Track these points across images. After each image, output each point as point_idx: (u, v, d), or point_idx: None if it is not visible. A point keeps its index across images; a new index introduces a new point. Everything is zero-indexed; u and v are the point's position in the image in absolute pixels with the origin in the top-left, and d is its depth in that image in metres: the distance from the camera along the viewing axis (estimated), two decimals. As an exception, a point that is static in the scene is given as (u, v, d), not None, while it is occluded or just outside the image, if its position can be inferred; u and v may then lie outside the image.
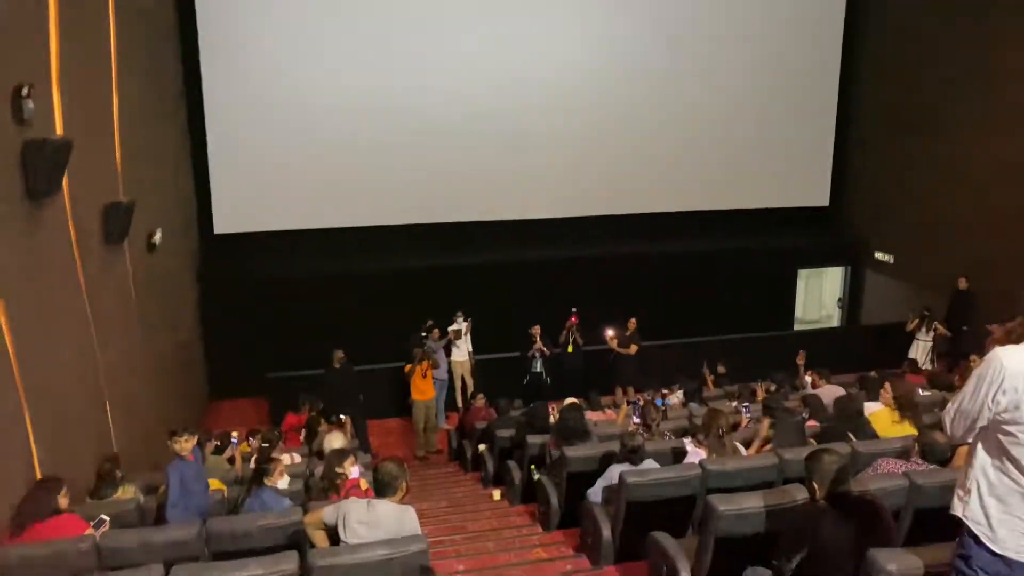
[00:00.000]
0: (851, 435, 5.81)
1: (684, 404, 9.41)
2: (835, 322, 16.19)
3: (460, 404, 11.97)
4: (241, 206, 12.92)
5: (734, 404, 8.55)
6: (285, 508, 5.08)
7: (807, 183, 15.57)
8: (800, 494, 4.15)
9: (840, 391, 7.85)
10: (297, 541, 4.55)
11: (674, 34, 14.12)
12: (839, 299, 16.12)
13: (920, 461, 4.70)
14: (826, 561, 3.56)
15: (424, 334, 11.26)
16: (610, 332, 12.01)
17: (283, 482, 5.65)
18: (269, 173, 12.87)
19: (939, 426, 4.76)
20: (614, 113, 14.05)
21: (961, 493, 2.97)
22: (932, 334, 12.02)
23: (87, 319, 6.60)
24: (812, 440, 6.01)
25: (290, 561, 3.86)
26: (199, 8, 12.16)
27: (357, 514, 4.09)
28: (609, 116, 14.03)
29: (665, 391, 9.83)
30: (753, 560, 4.12)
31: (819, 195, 15.67)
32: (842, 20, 14.91)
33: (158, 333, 9.20)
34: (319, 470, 6.12)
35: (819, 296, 16.45)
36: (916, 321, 12.20)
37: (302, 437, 9.07)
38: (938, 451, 4.69)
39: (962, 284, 12.10)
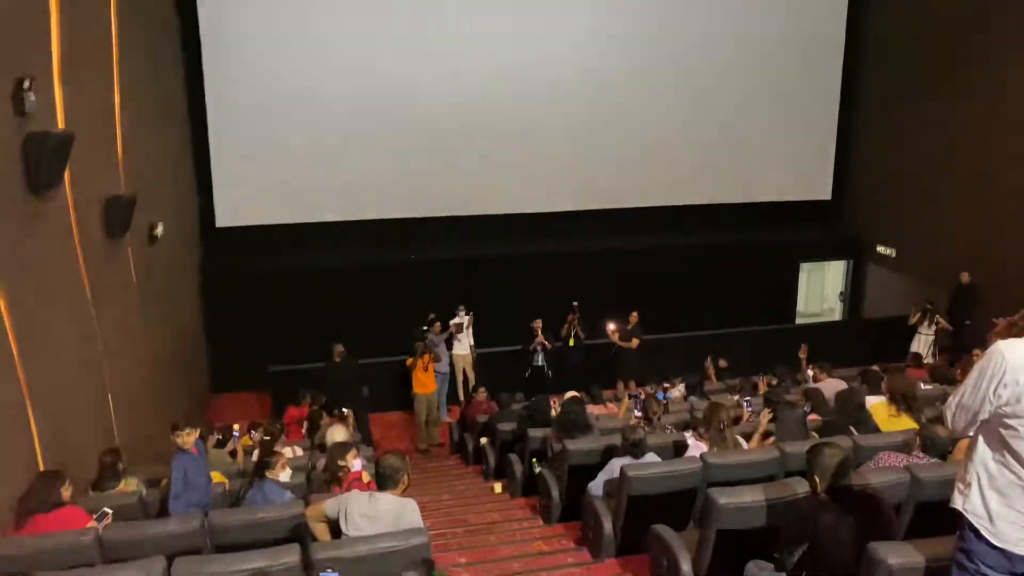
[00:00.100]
0: (852, 429, 5.80)
1: (685, 398, 9.42)
2: (837, 316, 16.17)
3: (461, 397, 11.98)
4: (243, 199, 12.92)
5: (735, 398, 8.56)
6: (287, 501, 5.09)
7: (809, 176, 15.54)
8: (801, 487, 4.15)
9: (842, 385, 7.85)
10: (299, 534, 4.55)
11: (676, 28, 14.07)
12: (841, 293, 16.10)
13: (921, 455, 4.70)
14: (827, 554, 3.56)
15: (425, 327, 11.27)
16: (611, 326, 12.01)
17: (285, 475, 5.66)
18: (271, 166, 12.86)
19: (939, 420, 4.77)
20: (616, 107, 14.01)
21: (961, 486, 2.97)
22: (934, 328, 12.01)
23: (89, 312, 6.61)
24: (814, 434, 6.01)
25: (292, 554, 3.87)
26: (200, 1, 12.13)
27: (359, 507, 4.09)
28: (611, 109, 13.99)
29: (667, 385, 9.83)
30: (754, 553, 4.12)
31: (821, 188, 15.63)
32: (845, 13, 14.85)
33: (160, 326, 9.20)
34: (321, 463, 6.13)
35: (821, 290, 16.43)
36: (918, 315, 12.18)
37: (304, 430, 9.09)
38: (939, 445, 4.69)
39: (964, 278, 12.08)
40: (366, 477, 5.25)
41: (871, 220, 15.12)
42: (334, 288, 12.87)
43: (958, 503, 2.96)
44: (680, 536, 4.68)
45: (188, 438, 5.56)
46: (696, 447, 5.72)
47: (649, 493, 5.14)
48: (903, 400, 6.03)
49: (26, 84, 5.21)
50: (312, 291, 12.84)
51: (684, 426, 7.12)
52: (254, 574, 3.70)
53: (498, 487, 8.02)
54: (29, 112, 5.27)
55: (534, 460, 7.24)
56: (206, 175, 12.71)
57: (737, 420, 7.00)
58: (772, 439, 6.01)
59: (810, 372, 9.18)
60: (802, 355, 10.60)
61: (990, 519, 2.84)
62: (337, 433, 6.82)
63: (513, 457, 7.89)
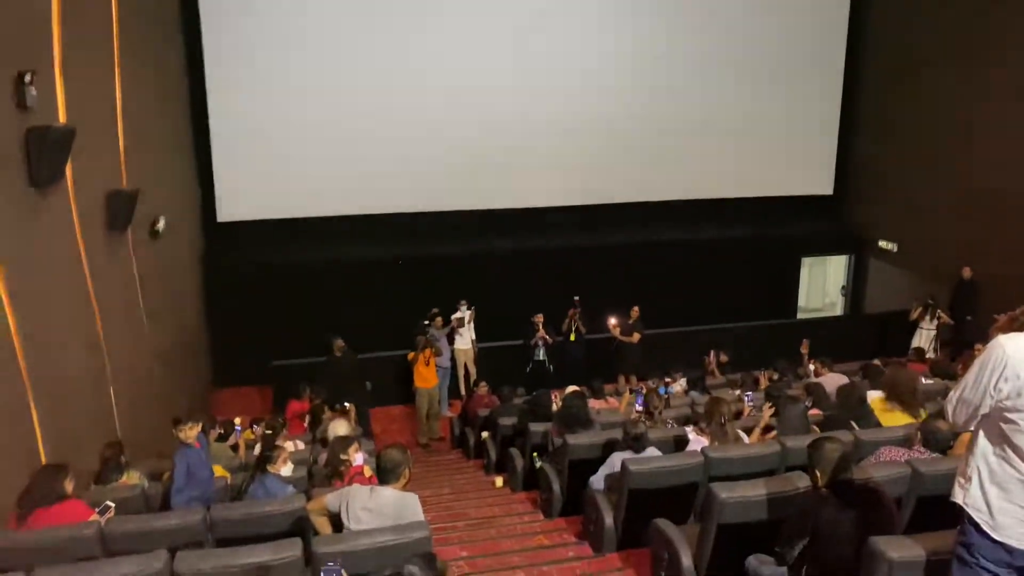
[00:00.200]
0: (854, 423, 5.81)
1: (687, 392, 9.42)
2: (838, 310, 16.18)
3: (463, 392, 12.00)
4: (244, 194, 12.91)
5: (737, 392, 8.56)
6: (288, 495, 5.10)
7: (811, 171, 15.53)
8: (802, 482, 4.15)
9: (843, 379, 7.85)
10: (301, 527, 4.57)
11: (678, 24, 14.05)
12: (843, 287, 16.10)
13: (923, 449, 4.71)
14: (828, 548, 3.57)
15: (427, 322, 11.28)
16: (613, 320, 12.02)
17: (287, 469, 5.67)
18: (272, 161, 12.85)
19: (939, 415, 4.77)
20: (618, 102, 13.99)
21: (962, 480, 2.97)
22: (936, 323, 12.00)
23: (91, 306, 6.62)
24: (815, 428, 6.02)
25: (294, 547, 3.89)
26: (202, -5, 12.15)
27: (360, 501, 4.10)
28: (613, 105, 13.97)
29: (668, 379, 9.84)
30: (755, 547, 4.13)
31: (823, 183, 15.62)
32: (847, 8, 14.82)
33: (162, 320, 9.21)
34: (323, 457, 6.14)
35: (823, 284, 16.43)
36: (920, 310, 12.18)
37: (306, 424, 9.11)
38: (941, 439, 4.69)
39: (966, 273, 12.07)
40: (368, 471, 5.26)
41: (873, 215, 15.10)
42: (336, 283, 12.87)
43: (958, 497, 2.96)
44: (681, 530, 4.68)
45: (191, 432, 5.58)
46: (697, 441, 5.72)
47: (650, 487, 5.15)
48: (896, 397, 6.06)
49: (27, 78, 5.21)
50: (314, 286, 12.84)
51: (685, 421, 7.13)
52: (256, 568, 3.71)
53: (499, 481, 8.03)
54: (30, 106, 5.27)
55: (535, 454, 7.24)
56: (208, 169, 12.70)
57: (738, 415, 7.00)
58: (773, 433, 6.02)
59: (811, 367, 9.18)
60: (804, 350, 10.60)
61: (990, 513, 2.85)
62: (339, 427, 6.84)
63: (514, 451, 7.89)
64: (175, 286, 10.51)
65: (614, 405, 8.98)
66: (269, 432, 7.56)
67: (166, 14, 11.19)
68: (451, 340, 11.82)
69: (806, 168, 15.48)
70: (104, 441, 6.26)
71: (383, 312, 12.61)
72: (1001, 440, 2.84)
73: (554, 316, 12.05)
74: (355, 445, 5.63)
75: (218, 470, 6.14)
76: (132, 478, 5.84)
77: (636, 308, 12.02)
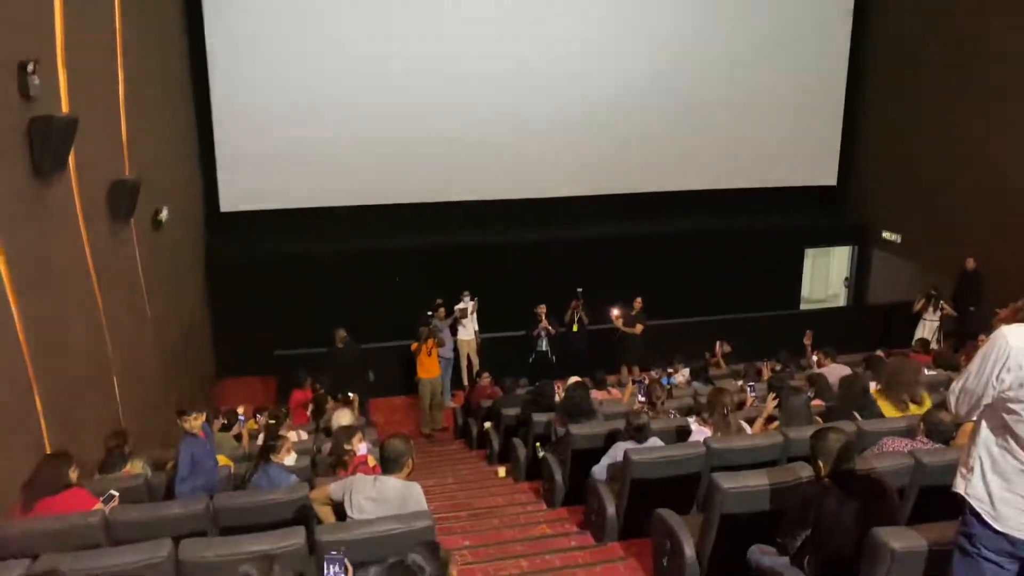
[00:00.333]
0: (856, 414, 5.81)
1: (689, 383, 9.42)
2: (841, 301, 16.16)
3: (465, 382, 12.02)
4: (247, 184, 12.91)
5: (740, 383, 8.56)
6: (292, 484, 5.12)
7: (815, 162, 15.49)
8: (805, 472, 4.15)
9: (846, 370, 7.85)
10: (304, 517, 4.58)
11: (681, 12, 14.00)
12: (846, 278, 16.08)
13: (925, 440, 4.70)
14: (830, 539, 3.58)
15: (430, 312, 11.29)
16: (616, 311, 12.02)
17: (290, 459, 5.69)
18: (275, 151, 12.83)
19: (940, 406, 4.76)
20: (621, 92, 13.96)
21: (964, 471, 2.97)
22: (939, 314, 11.99)
23: (94, 296, 6.63)
24: (818, 419, 6.02)
25: (297, 536, 3.90)
26: (204, -15, 12.11)
27: (363, 490, 4.11)
28: (616, 95, 13.94)
29: (671, 370, 9.84)
30: (757, 538, 4.13)
31: (827, 174, 15.58)
32: (852, -1, 14.80)
33: (165, 310, 9.23)
34: (326, 447, 6.16)
35: (826, 275, 16.40)
36: (923, 301, 12.16)
37: (309, 412, 9.13)
38: (943, 430, 4.69)
39: (970, 265, 12.05)
40: (371, 461, 5.27)
41: (876, 206, 15.06)
42: (339, 273, 12.88)
43: (960, 487, 2.96)
44: (683, 520, 4.69)
45: (195, 422, 5.59)
46: (700, 432, 5.73)
47: (652, 477, 5.16)
48: (890, 388, 6.09)
49: (30, 67, 5.21)
50: (317, 275, 12.85)
51: (688, 411, 7.13)
52: (259, 556, 3.73)
53: (502, 471, 8.05)
54: (33, 95, 5.27)
55: (538, 444, 7.26)
56: (210, 160, 12.70)
57: (740, 405, 7.00)
58: (775, 424, 6.02)
59: (814, 358, 9.17)
60: (807, 341, 10.60)
61: (992, 503, 2.85)
62: (343, 417, 6.86)
63: (517, 441, 7.91)
64: (178, 276, 10.52)
65: (617, 396, 8.98)
66: (272, 422, 7.58)
67: (168, 4, 11.17)
68: (454, 331, 11.84)
69: (810, 159, 15.44)
70: (107, 429, 6.27)
71: (386, 303, 12.62)
72: (1003, 430, 2.84)
73: (557, 307, 12.05)
74: (359, 435, 5.64)
75: (222, 459, 6.16)
76: (136, 467, 5.86)
77: (639, 299, 12.01)
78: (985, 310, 10.72)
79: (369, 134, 13.04)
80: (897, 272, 14.58)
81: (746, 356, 10.84)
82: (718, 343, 11.29)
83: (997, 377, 2.77)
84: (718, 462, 5.06)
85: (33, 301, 5.22)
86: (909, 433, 4.99)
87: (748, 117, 14.59)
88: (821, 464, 3.69)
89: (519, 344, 12.23)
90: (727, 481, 4.20)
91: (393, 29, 12.85)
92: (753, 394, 7.36)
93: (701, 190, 14.85)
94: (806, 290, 15.96)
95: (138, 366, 7.75)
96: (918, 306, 12.21)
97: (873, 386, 6.48)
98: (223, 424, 7.85)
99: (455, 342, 11.91)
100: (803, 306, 15.66)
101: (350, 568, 3.39)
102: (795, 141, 15.09)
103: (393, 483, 4.13)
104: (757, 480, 4.22)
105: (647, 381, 8.02)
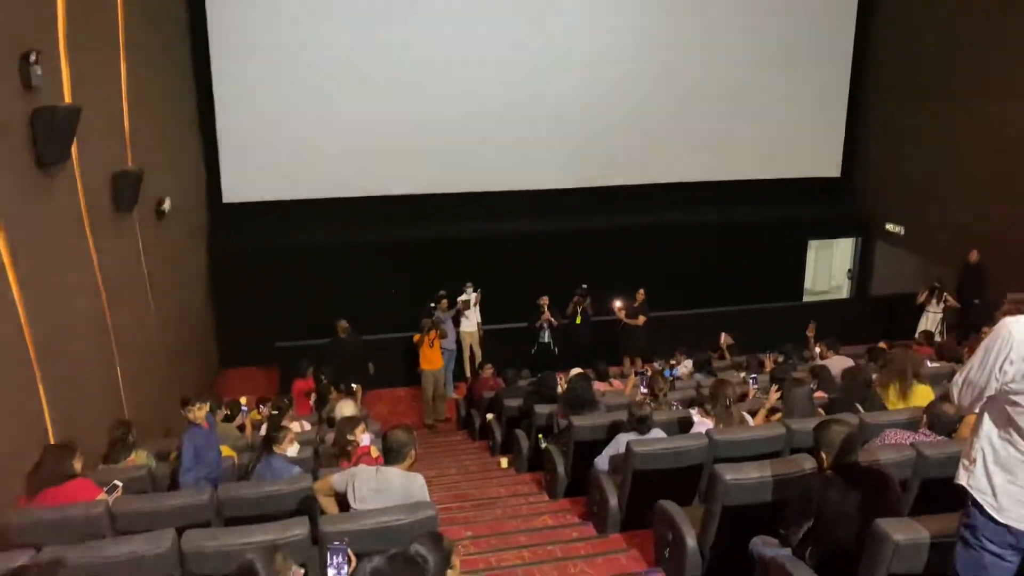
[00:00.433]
0: (859, 406, 5.82)
1: (692, 375, 9.42)
2: (845, 293, 16.15)
3: (468, 374, 12.03)
4: (249, 175, 12.89)
5: (742, 375, 8.56)
6: (294, 475, 5.13)
7: (818, 154, 15.43)
8: (807, 464, 4.16)
9: (849, 362, 7.84)
10: (307, 507, 4.60)
11: (686, 3, 13.94)
12: (849, 270, 16.06)
13: (928, 432, 4.70)
14: (833, 530, 3.58)
15: (433, 304, 11.30)
16: (618, 303, 12.01)
17: (293, 450, 5.70)
18: (278, 142, 12.81)
19: (944, 398, 4.76)
20: (625, 84, 13.91)
21: (966, 463, 2.97)
22: (942, 306, 11.96)
23: (97, 286, 6.64)
24: (820, 411, 6.02)
25: (301, 526, 3.91)
26: (206, -26, 12.07)
27: (366, 481, 4.12)
28: (620, 87, 13.90)
29: (673, 362, 9.84)
30: (759, 529, 4.14)
31: (830, 166, 15.53)
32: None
33: (168, 300, 9.24)
34: (330, 438, 6.17)
35: (829, 267, 16.39)
36: (926, 293, 12.12)
37: (312, 402, 9.15)
38: (946, 422, 4.69)
39: (974, 257, 12.00)
40: (375, 452, 5.27)
41: (880, 198, 15.02)
42: (341, 264, 12.88)
43: (963, 479, 2.97)
44: (685, 511, 4.70)
45: (199, 412, 5.60)
46: (702, 423, 5.73)
47: (654, 469, 5.17)
48: (883, 375, 6.12)
49: (32, 57, 5.20)
50: (319, 267, 12.86)
51: (690, 403, 7.13)
52: (263, 546, 3.74)
53: (504, 462, 8.06)
54: (36, 85, 5.26)
55: (540, 436, 7.27)
56: (213, 150, 12.68)
57: (743, 397, 7.01)
58: (778, 415, 6.03)
59: (817, 349, 9.16)
60: (810, 333, 10.58)
61: (994, 495, 2.85)
62: (346, 408, 6.85)
63: (519, 433, 7.93)
64: (181, 266, 10.53)
65: (619, 387, 8.99)
66: (275, 412, 7.59)
67: (171, -6, 11.15)
68: (456, 322, 11.84)
69: (813, 150, 15.38)
70: (111, 419, 6.29)
71: (388, 294, 12.62)
72: (1006, 422, 2.84)
73: (560, 298, 12.04)
74: (362, 426, 5.64)
75: (225, 450, 6.17)
76: (140, 457, 5.88)
77: (641, 291, 12.00)
78: (989, 302, 10.71)
79: (373, 125, 13.00)
80: (900, 264, 14.55)
81: (749, 348, 10.83)
82: (723, 334, 11.28)
83: (1000, 369, 2.77)
84: (720, 454, 5.07)
85: (36, 291, 5.22)
86: (912, 425, 5.00)
87: (752, 109, 14.52)
88: (824, 456, 3.69)
89: (522, 336, 12.24)
90: (729, 473, 4.20)
91: (396, 20, 12.79)
92: (755, 386, 7.36)
93: (704, 182, 14.79)
94: (809, 282, 15.96)
95: (141, 356, 7.76)
96: (921, 298, 12.18)
97: (875, 378, 6.48)
98: (226, 415, 7.86)
99: (458, 334, 11.92)
100: (806, 298, 15.65)
101: (353, 558, 3.41)
102: (799, 133, 15.04)
103: (396, 474, 4.14)
104: (759, 472, 4.22)
105: (649, 373, 8.02)
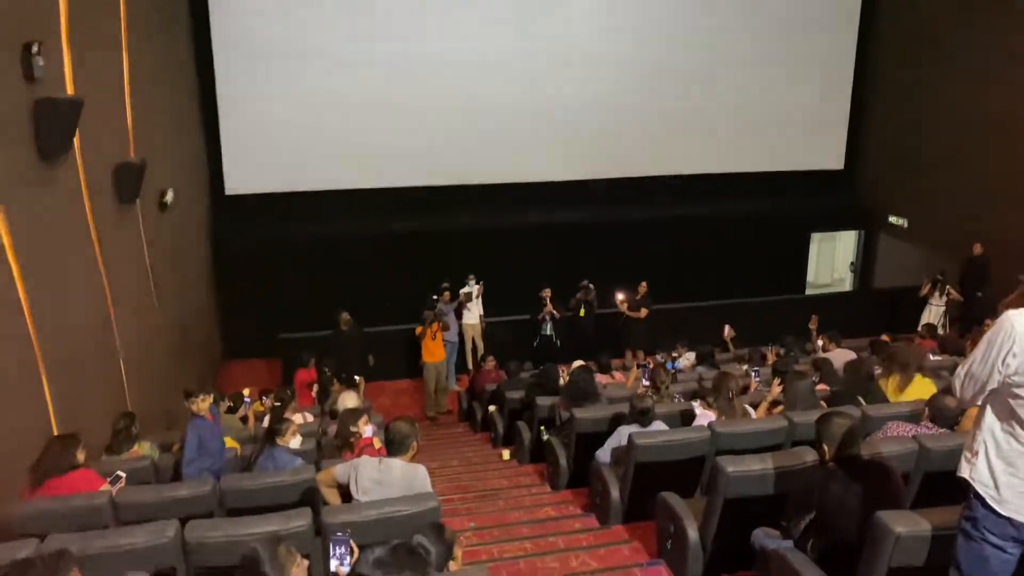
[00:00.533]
0: (861, 399, 5.82)
1: (694, 367, 9.43)
2: (847, 286, 16.13)
3: (470, 366, 12.04)
4: (252, 167, 12.89)
5: (744, 367, 8.56)
6: (297, 466, 5.15)
7: (821, 146, 15.39)
8: (809, 456, 4.16)
9: (851, 355, 7.85)
10: (310, 498, 4.61)
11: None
12: (852, 263, 16.04)
13: (930, 425, 4.71)
14: (834, 522, 3.59)
15: (436, 296, 11.30)
16: (620, 296, 12.00)
17: (295, 442, 5.71)
18: (280, 134, 12.80)
19: (946, 391, 4.76)
20: (628, 76, 13.86)
21: (968, 455, 2.97)
22: (945, 299, 11.95)
23: (100, 278, 6.64)
24: (823, 403, 6.02)
25: (303, 517, 3.92)
26: (209, -33, 12.04)
27: (369, 472, 4.13)
28: (622, 80, 13.85)
29: (675, 354, 9.83)
30: (761, 521, 4.15)
31: (833, 158, 15.50)
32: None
33: (170, 292, 9.24)
34: (332, 429, 6.18)
35: (831, 260, 16.36)
36: (929, 286, 12.11)
37: (314, 394, 9.16)
38: (949, 415, 4.69)
39: (977, 250, 11.99)
40: (377, 443, 5.29)
41: (883, 190, 15.00)
42: (344, 256, 12.89)
43: (965, 472, 2.97)
44: (687, 503, 4.70)
45: (203, 404, 5.62)
46: (704, 416, 5.73)
47: (656, 461, 5.17)
48: (884, 366, 6.12)
49: (34, 48, 5.19)
50: (322, 259, 12.87)
51: (692, 395, 7.13)
52: (266, 537, 3.75)
53: (506, 454, 8.08)
54: (38, 77, 5.25)
55: (542, 428, 7.28)
56: (215, 142, 12.68)
57: (745, 389, 7.01)
58: (780, 408, 6.03)
59: (820, 342, 9.16)
60: (812, 326, 10.58)
61: (996, 488, 2.85)
62: (348, 399, 6.87)
63: (521, 425, 7.94)
64: (183, 258, 10.54)
65: (621, 380, 9.00)
66: (278, 404, 7.60)
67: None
68: (459, 315, 11.85)
69: (816, 143, 15.34)
70: (114, 410, 6.30)
71: (391, 286, 12.63)
72: (1008, 415, 2.84)
73: (562, 291, 12.05)
74: (364, 417, 5.66)
75: (228, 441, 6.19)
76: (143, 448, 5.90)
77: (644, 283, 11.99)
78: (992, 295, 10.69)
79: (375, 117, 12.98)
80: (903, 257, 14.53)
81: (751, 341, 10.83)
82: (726, 327, 11.28)
83: (1003, 362, 2.76)
84: (722, 446, 5.08)
85: (39, 283, 5.23)
86: (914, 418, 5.00)
87: (754, 101, 14.48)
88: (826, 448, 3.69)
89: (524, 328, 12.25)
90: (731, 465, 4.20)
91: (403, 14, 12.76)
92: (757, 379, 7.37)
93: (707, 174, 14.77)
94: (812, 275, 15.93)
95: (144, 348, 7.77)
96: (924, 291, 12.17)
97: (878, 371, 6.48)
98: (229, 406, 7.89)
99: (460, 326, 11.92)
100: (808, 291, 15.64)
101: (356, 549, 3.41)
102: (802, 125, 14.99)
103: (398, 465, 4.15)
104: (761, 464, 4.22)
105: (651, 365, 8.03)
